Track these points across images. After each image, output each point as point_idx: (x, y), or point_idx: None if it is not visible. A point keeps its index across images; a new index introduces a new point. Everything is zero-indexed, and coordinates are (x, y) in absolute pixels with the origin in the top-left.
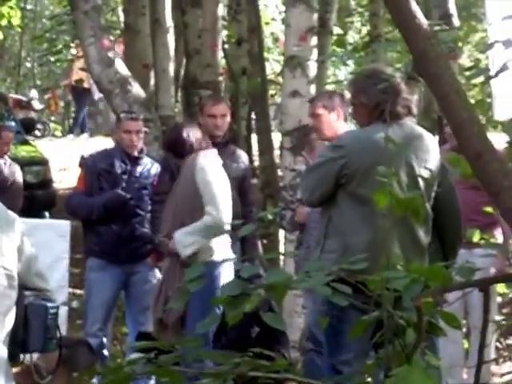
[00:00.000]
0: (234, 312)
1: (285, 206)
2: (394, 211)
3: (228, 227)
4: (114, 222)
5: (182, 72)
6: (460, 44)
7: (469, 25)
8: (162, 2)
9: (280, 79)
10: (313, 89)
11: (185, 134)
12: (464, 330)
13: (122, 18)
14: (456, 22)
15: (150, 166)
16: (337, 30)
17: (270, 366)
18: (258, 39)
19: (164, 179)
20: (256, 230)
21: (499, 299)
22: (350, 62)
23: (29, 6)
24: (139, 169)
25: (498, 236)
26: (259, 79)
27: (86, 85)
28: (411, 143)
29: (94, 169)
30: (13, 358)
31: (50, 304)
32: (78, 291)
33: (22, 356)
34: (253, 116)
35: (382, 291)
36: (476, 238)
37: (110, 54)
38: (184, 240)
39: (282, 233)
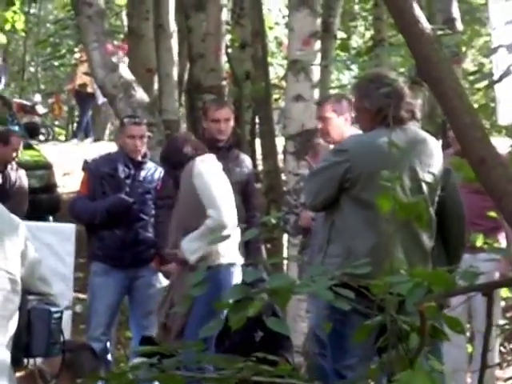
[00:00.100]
0: (237, 316)
1: (288, 211)
2: (397, 216)
3: (232, 229)
4: (118, 227)
5: (186, 76)
6: (464, 48)
7: (472, 29)
8: (166, 6)
9: (283, 83)
10: (316, 93)
11: (179, 145)
12: (468, 334)
13: (125, 22)
14: (459, 26)
15: (153, 171)
16: (340, 35)
17: (273, 370)
18: (262, 43)
19: (167, 184)
20: (260, 234)
21: (503, 303)
22: (353, 66)
23: (32, 11)
24: (143, 173)
25: (502, 240)
26: (263, 83)
27: (89, 89)
28: (415, 148)
29: (97, 173)
30: (16, 363)
31: (53, 308)
32: (82, 295)
33: (25, 360)
34: (256, 120)
35: (385, 296)
36: (480, 242)
37: (114, 59)
38: (190, 246)
39: (285, 237)
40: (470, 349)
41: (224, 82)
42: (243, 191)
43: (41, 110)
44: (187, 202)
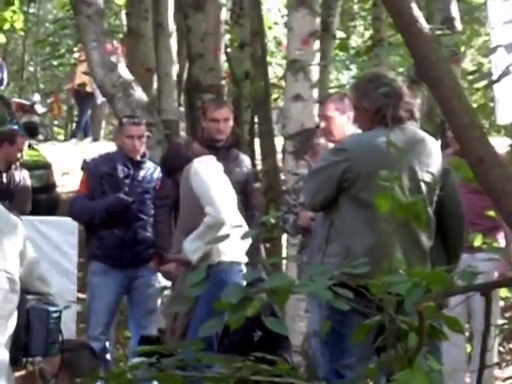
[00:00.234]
0: (236, 316)
1: (288, 210)
2: (395, 215)
3: (232, 227)
4: (117, 226)
5: (185, 76)
6: (463, 48)
7: (472, 29)
8: (165, 5)
9: (283, 83)
10: (315, 93)
11: (179, 149)
12: (467, 334)
13: (124, 21)
14: (458, 25)
15: (152, 170)
16: (339, 34)
17: (272, 370)
18: (261, 43)
19: (166, 183)
20: (259, 234)
21: (502, 303)
22: (352, 66)
23: (32, 10)
24: (142, 173)
25: (501, 240)
26: (262, 83)
27: (88, 89)
28: (413, 147)
29: (96, 172)
30: (15, 362)
31: (52, 308)
32: (82, 295)
33: (24, 360)
34: (255, 120)
35: (383, 295)
36: (478, 242)
37: (113, 58)
38: (191, 246)
39: (284, 237)
40: (468, 348)
41: (223, 82)
42: (242, 191)
43: (40, 109)
44: (187, 202)
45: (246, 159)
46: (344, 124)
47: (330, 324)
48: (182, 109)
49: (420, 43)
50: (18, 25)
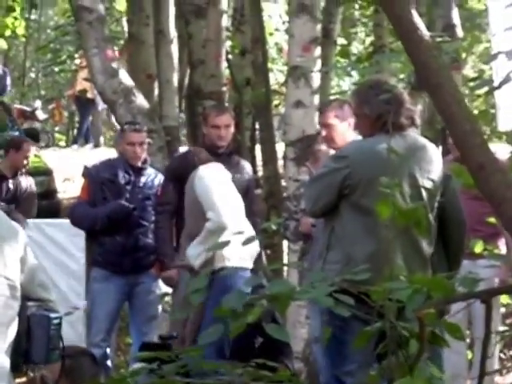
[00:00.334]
0: (237, 323)
1: (288, 217)
2: (396, 222)
3: (232, 231)
4: (118, 233)
5: (186, 82)
6: (464, 55)
7: (473, 35)
8: (166, 12)
9: (284, 89)
10: (316, 99)
11: (185, 156)
12: (468, 340)
13: (126, 28)
14: (459, 32)
15: (153, 177)
16: (341, 41)
17: (273, 376)
18: (262, 50)
19: (168, 189)
20: (260, 240)
21: (503, 310)
22: (353, 72)
23: (33, 17)
24: (143, 179)
25: (502, 247)
26: (263, 89)
27: (89, 95)
28: (414, 154)
29: (98, 179)
30: (15, 369)
31: (52, 315)
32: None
33: (24, 367)
34: (257, 126)
35: (384, 302)
36: (479, 248)
37: (114, 65)
38: (193, 252)
39: (285, 243)
40: (469, 355)
41: (224, 88)
42: (243, 197)
43: (41, 115)
44: (191, 209)
45: (247, 165)
46: (345, 131)
47: (330, 330)
48: (183, 115)
49: (420, 50)
50: (20, 31)
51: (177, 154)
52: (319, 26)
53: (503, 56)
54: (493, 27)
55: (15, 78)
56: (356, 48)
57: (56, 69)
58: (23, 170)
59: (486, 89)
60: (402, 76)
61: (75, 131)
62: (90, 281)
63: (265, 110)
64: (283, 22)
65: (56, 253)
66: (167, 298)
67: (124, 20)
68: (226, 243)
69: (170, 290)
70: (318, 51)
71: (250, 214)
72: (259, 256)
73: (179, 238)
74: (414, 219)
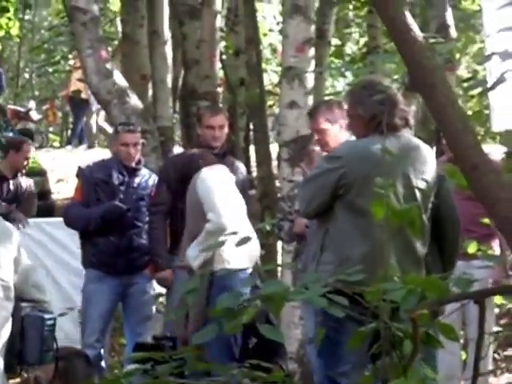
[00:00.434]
0: (231, 323)
1: (283, 217)
2: (390, 223)
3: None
4: (112, 233)
5: (180, 83)
6: (458, 55)
7: (467, 36)
8: (160, 13)
9: (278, 90)
10: (310, 100)
11: (190, 158)
12: (462, 341)
13: (120, 28)
14: (453, 33)
15: (147, 177)
16: (335, 41)
17: (267, 377)
18: (256, 50)
19: (161, 190)
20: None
21: (497, 310)
22: (348, 73)
23: (27, 17)
24: (137, 180)
25: (496, 247)
26: (257, 90)
27: (83, 95)
28: (408, 155)
29: (91, 179)
30: (9, 370)
31: (46, 315)
32: None
33: (18, 367)
34: (251, 127)
35: (378, 303)
36: (473, 249)
37: (108, 66)
38: (192, 253)
39: (279, 244)
40: (463, 356)
41: (218, 89)
42: None
43: (35, 116)
44: (192, 210)
45: (241, 166)
46: (337, 133)
47: (324, 331)
48: (178, 116)
49: (413, 51)
50: (14, 32)
51: (181, 154)
52: (313, 27)
53: (497, 57)
54: (487, 28)
55: (9, 79)
56: (350, 49)
57: (50, 69)
58: (23, 171)
59: (479, 89)
60: (395, 77)
61: (69, 132)
62: (84, 281)
63: (259, 111)
64: (277, 23)
65: (57, 250)
66: (161, 299)
67: (118, 20)
68: (221, 244)
69: (164, 290)
70: (311, 52)
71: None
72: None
73: (173, 238)
74: (407, 220)
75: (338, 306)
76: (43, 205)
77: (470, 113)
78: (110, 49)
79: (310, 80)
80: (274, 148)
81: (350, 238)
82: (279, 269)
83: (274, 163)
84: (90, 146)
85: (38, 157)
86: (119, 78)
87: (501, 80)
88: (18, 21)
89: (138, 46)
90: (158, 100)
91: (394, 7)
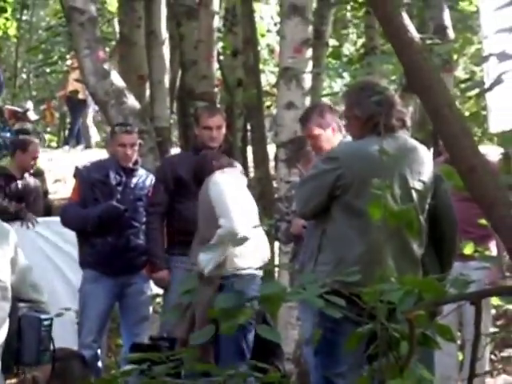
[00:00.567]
0: (228, 324)
1: (280, 218)
2: (387, 224)
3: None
4: (109, 234)
5: (178, 83)
6: (455, 56)
7: (464, 37)
8: (158, 13)
9: (275, 91)
10: (308, 101)
11: (204, 160)
12: (459, 342)
13: (117, 29)
14: (451, 34)
15: (144, 178)
16: (332, 42)
17: (263, 377)
18: (254, 51)
19: (159, 190)
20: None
21: (493, 311)
22: (345, 74)
23: (25, 17)
24: (134, 180)
25: (493, 248)
26: (255, 91)
27: (81, 96)
28: (405, 156)
29: (89, 179)
30: (6, 370)
31: (43, 316)
32: None
33: (15, 368)
34: (248, 127)
35: (375, 303)
36: (470, 250)
37: (106, 66)
38: (204, 258)
39: (277, 244)
40: (460, 357)
41: (216, 89)
42: None
43: (32, 116)
44: (204, 213)
45: (238, 166)
46: (330, 137)
47: (321, 332)
48: (175, 116)
49: (410, 52)
50: (11, 32)
51: (178, 155)
52: (311, 28)
53: (494, 58)
54: (484, 29)
55: (6, 79)
56: (348, 49)
57: (47, 70)
58: (31, 171)
59: (477, 90)
60: (393, 78)
61: (66, 132)
62: (81, 282)
63: (256, 112)
64: (275, 24)
65: (67, 248)
66: (158, 299)
67: (116, 21)
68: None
69: (161, 291)
70: (309, 53)
71: None
72: None
73: (170, 239)
74: (405, 221)
75: (335, 306)
76: None
77: (467, 114)
78: (107, 49)
79: (307, 81)
80: (271, 149)
81: (347, 238)
82: (276, 269)
83: (272, 164)
84: (88, 147)
85: None
86: (117, 79)
87: (498, 81)
88: (16, 21)
89: (135, 47)
90: (155, 100)
91: (391, 8)
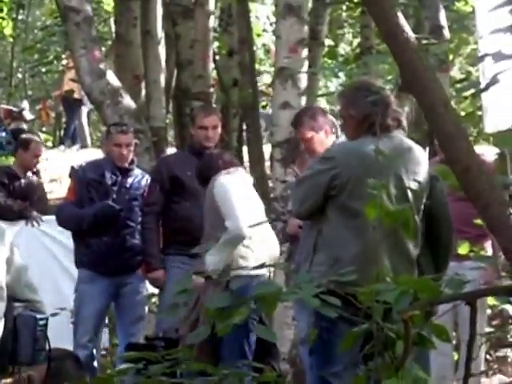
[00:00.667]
0: (223, 324)
1: (276, 218)
2: (383, 224)
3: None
4: (105, 234)
5: (174, 83)
6: (451, 56)
7: (460, 37)
8: (154, 13)
9: (271, 90)
10: (303, 101)
11: (210, 159)
12: (454, 342)
13: (113, 28)
14: (447, 34)
15: (140, 178)
16: (328, 42)
17: (259, 377)
18: (249, 50)
19: (154, 190)
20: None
21: (489, 311)
22: (341, 73)
23: (20, 17)
24: (130, 180)
25: (488, 248)
26: (250, 90)
27: (76, 95)
28: (400, 156)
29: (84, 179)
30: (2, 369)
31: (39, 315)
32: None
33: (11, 367)
34: (244, 127)
35: (371, 303)
36: (465, 250)
37: (101, 66)
38: (211, 260)
39: None
40: (456, 356)
41: (211, 89)
42: None
43: (28, 116)
44: (209, 214)
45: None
46: (323, 139)
47: (317, 332)
48: (171, 116)
49: (405, 52)
50: (7, 31)
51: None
52: (306, 28)
53: (490, 58)
54: (480, 29)
55: (2, 79)
56: (343, 49)
57: (43, 69)
58: (34, 169)
59: (472, 91)
60: (389, 77)
61: (62, 132)
62: (77, 281)
63: (252, 111)
64: (271, 24)
65: (69, 243)
66: (154, 299)
67: (111, 20)
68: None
69: (156, 290)
70: (305, 52)
71: None
72: None
73: (165, 238)
74: (400, 220)
75: (331, 306)
76: None
77: (462, 114)
78: (103, 49)
79: (303, 81)
80: (267, 148)
81: (342, 238)
82: (272, 269)
83: (267, 164)
84: (83, 146)
85: None
86: (112, 78)
87: (494, 81)
88: (12, 20)
89: (131, 47)
90: (151, 100)
91: (386, 8)
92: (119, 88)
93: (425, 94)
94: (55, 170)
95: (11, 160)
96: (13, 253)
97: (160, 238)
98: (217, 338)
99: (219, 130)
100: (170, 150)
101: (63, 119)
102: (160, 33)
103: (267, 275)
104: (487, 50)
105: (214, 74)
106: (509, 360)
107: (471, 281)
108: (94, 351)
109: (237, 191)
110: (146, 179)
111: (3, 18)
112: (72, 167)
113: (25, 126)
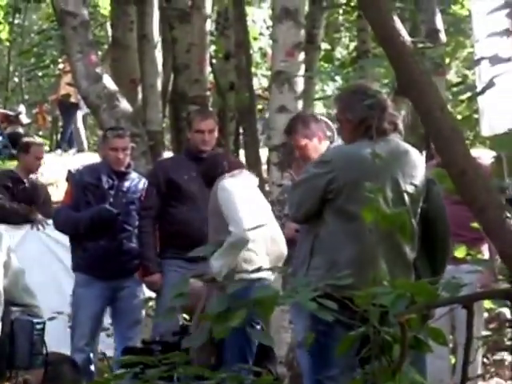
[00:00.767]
0: (220, 327)
1: None
2: (380, 227)
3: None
4: (102, 237)
5: (170, 87)
6: (447, 60)
7: (456, 40)
8: (150, 17)
9: (268, 94)
10: (300, 104)
11: (215, 160)
12: (451, 345)
13: (110, 32)
14: (443, 37)
15: (137, 181)
16: (325, 46)
17: (256, 380)
18: (246, 54)
19: (151, 194)
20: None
21: (486, 314)
22: (337, 77)
23: (17, 21)
24: (126, 184)
25: (485, 252)
26: (247, 94)
27: (73, 99)
28: (397, 159)
29: (81, 183)
30: None
31: (36, 320)
32: None
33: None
34: (240, 131)
35: (368, 307)
36: (462, 253)
37: (98, 70)
38: (215, 264)
39: None
40: (453, 360)
41: (208, 93)
42: None
43: (25, 120)
44: (212, 217)
45: None
46: (317, 145)
47: (314, 335)
48: (167, 120)
49: (401, 56)
50: (3, 35)
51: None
52: (303, 31)
53: (486, 61)
54: (476, 33)
55: None
56: (340, 53)
57: (40, 73)
58: (36, 172)
59: (469, 94)
60: (385, 81)
61: (59, 136)
62: (74, 285)
63: (249, 115)
64: (267, 27)
65: (60, 251)
66: (151, 303)
67: (108, 25)
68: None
69: (153, 294)
70: (301, 56)
71: None
72: None
73: (162, 242)
74: (397, 224)
75: (328, 310)
76: None
77: (459, 117)
78: (99, 53)
79: (299, 84)
80: (263, 152)
81: (339, 242)
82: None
83: (264, 167)
84: (80, 150)
85: None
86: (109, 82)
87: (490, 84)
88: (8, 24)
89: (127, 51)
90: (147, 104)
91: (382, 12)
92: (116, 92)
93: (421, 98)
94: (52, 173)
95: (8, 164)
96: (10, 257)
97: (157, 241)
98: (219, 341)
99: (216, 133)
100: (167, 154)
101: (60, 123)
102: (157, 37)
103: (272, 278)
104: (483, 53)
105: (210, 77)
106: (506, 363)
107: (468, 284)
108: (91, 355)
109: (241, 194)
110: (143, 183)
111: (0, 22)
112: (69, 171)
113: (21, 130)
